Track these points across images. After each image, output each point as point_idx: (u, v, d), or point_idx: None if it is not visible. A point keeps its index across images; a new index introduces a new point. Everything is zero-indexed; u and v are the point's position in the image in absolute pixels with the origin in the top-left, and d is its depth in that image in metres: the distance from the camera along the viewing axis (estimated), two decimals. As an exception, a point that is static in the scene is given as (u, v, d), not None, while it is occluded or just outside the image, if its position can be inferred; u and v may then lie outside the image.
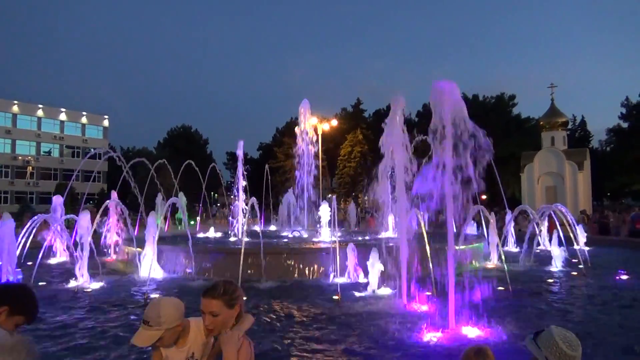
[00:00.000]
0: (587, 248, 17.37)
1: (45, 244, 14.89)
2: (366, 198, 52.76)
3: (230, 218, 21.74)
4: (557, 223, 17.23)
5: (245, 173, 21.12)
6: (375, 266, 10.70)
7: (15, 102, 61.87)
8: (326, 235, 17.59)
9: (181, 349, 2.54)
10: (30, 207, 42.74)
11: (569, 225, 16.43)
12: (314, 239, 17.15)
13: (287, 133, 60.16)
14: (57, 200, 17.59)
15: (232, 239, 18.18)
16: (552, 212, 17.72)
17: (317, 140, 23.50)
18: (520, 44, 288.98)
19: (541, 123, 43.25)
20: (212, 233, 20.50)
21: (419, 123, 52.88)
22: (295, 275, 12.60)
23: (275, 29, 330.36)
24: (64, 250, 16.05)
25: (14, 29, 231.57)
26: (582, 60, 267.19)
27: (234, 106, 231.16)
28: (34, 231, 13.56)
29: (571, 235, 16.09)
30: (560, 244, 15.31)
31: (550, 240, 16.57)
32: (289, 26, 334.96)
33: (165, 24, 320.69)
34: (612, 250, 19.22)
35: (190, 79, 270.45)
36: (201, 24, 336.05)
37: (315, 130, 24.10)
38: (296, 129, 23.05)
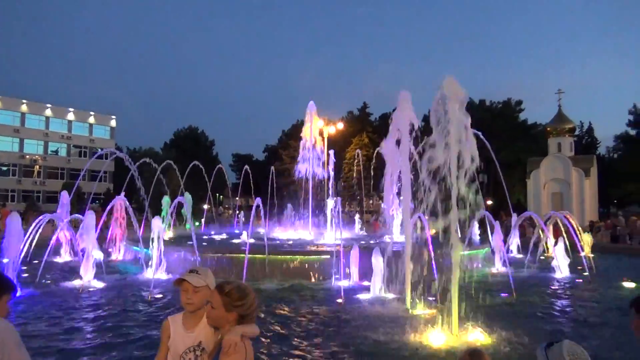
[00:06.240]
0: (592, 255, 17.26)
1: (51, 242, 14.97)
2: (371, 202, 52.72)
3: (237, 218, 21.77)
4: (563, 230, 17.12)
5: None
6: (378, 269, 10.67)
7: (24, 101, 62.27)
8: (330, 238, 17.59)
9: (190, 333, 2.63)
10: (36, 206, 42.99)
11: (576, 232, 16.33)
12: (318, 242, 17.15)
13: (293, 135, 60.22)
14: (64, 197, 17.69)
15: (236, 240, 18.21)
16: (558, 219, 17.63)
17: (323, 142, 23.43)
18: (527, 50, 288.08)
19: (548, 129, 43.05)
20: (216, 234, 20.57)
21: (426, 127, 52.69)
22: (299, 277, 12.60)
23: (282, 31, 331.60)
24: (69, 249, 16.15)
25: (23, 29, 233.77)
26: (590, 67, 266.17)
27: (241, 108, 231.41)
28: (40, 230, 13.66)
29: (577, 242, 16.00)
30: (565, 251, 15.21)
31: (555, 247, 16.50)
32: (296, 29, 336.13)
33: (173, 26, 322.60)
34: (618, 257, 19.08)
35: (197, 80, 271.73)
36: (208, 26, 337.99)
37: (321, 133, 24.02)
38: (303, 132, 22.89)
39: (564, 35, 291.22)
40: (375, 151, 22.05)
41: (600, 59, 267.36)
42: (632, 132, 60.05)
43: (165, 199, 21.15)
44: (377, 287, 10.66)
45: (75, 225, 17.06)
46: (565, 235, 16.30)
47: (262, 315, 8.53)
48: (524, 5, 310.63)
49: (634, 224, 25.26)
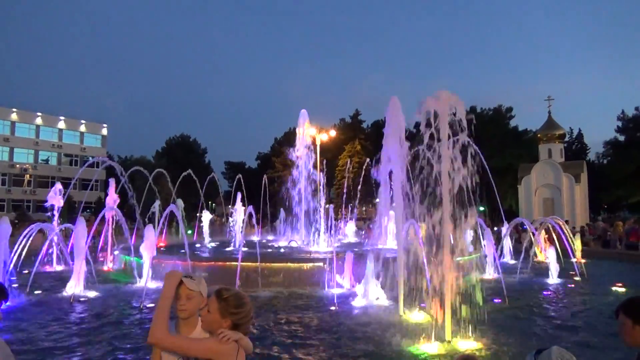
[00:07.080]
0: (583, 260, 17.37)
1: (42, 252, 14.81)
2: (364, 208, 52.75)
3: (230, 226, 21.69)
4: (554, 235, 17.24)
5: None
6: (372, 276, 10.68)
7: (14, 109, 61.84)
8: (323, 246, 17.59)
9: None
10: (26, 215, 42.55)
11: (567, 237, 16.45)
12: (311, 249, 17.13)
13: (285, 143, 60.30)
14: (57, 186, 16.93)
15: (229, 248, 18.14)
16: (549, 225, 17.75)
17: (315, 149, 23.46)
18: (517, 57, 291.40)
19: (538, 135, 43.47)
20: (209, 242, 20.48)
21: (417, 135, 52.94)
22: (292, 285, 12.56)
23: (275, 40, 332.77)
24: (61, 258, 15.99)
25: (13, 36, 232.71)
26: (579, 74, 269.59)
27: (233, 116, 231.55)
28: (30, 239, 13.52)
29: (567, 247, 16.11)
30: (557, 256, 15.30)
31: (547, 253, 16.61)
32: (289, 37, 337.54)
33: (166, 34, 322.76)
34: (609, 263, 19.21)
35: (189, 88, 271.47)
36: (201, 34, 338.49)
37: (314, 140, 24.05)
38: (296, 145, 22.85)
39: (554, 43, 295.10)
40: (366, 161, 22.07)
41: (590, 66, 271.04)
42: (621, 138, 60.80)
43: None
44: (370, 294, 10.66)
45: (66, 235, 16.91)
46: (557, 240, 16.41)
47: (256, 323, 8.50)
48: (514, 14, 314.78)
49: (617, 229, 25.41)
